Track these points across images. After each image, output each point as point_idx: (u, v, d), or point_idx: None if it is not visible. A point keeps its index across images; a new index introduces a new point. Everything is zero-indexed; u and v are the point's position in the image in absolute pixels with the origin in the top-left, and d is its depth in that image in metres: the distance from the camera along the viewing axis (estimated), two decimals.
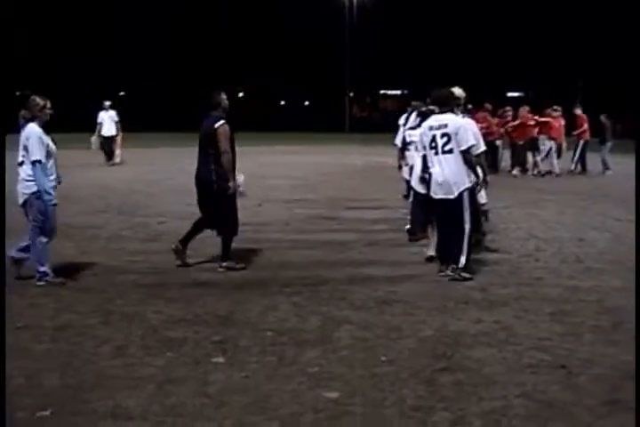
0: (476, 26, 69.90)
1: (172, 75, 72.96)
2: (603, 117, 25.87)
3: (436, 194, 9.70)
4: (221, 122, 9.95)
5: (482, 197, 13.14)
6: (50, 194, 8.99)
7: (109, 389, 5.84)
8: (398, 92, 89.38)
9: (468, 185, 9.52)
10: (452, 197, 9.54)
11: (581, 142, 25.19)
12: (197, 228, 10.45)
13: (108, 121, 27.07)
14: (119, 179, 22.11)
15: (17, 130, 9.15)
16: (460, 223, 9.54)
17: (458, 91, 10.46)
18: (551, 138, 24.68)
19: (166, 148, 37.35)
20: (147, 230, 13.09)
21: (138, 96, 74.44)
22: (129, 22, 68.26)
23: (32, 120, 9.10)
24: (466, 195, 9.54)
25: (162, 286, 9.14)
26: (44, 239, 9.12)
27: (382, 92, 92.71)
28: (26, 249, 9.32)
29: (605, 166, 25.40)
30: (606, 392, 5.86)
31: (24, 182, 9.03)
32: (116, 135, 27.20)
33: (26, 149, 8.99)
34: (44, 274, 9.12)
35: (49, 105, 9.25)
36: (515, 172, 24.60)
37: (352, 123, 73.25)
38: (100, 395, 5.70)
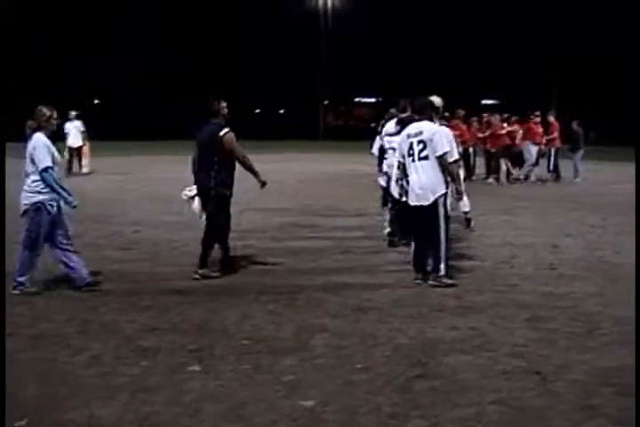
0: (450, 33, 70.24)
1: (143, 83, 72.74)
2: (574, 125, 25.97)
3: (413, 201, 9.73)
4: (226, 130, 10.06)
5: (465, 205, 13.23)
6: (67, 199, 9.11)
7: (85, 398, 5.81)
8: (372, 99, 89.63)
9: (443, 191, 9.58)
10: (426, 203, 9.58)
11: (552, 150, 25.23)
12: (205, 247, 10.44)
13: (73, 131, 26.70)
14: (94, 188, 22.00)
15: (24, 139, 9.16)
16: (435, 230, 9.58)
17: (437, 99, 10.51)
18: (535, 143, 24.74)
19: (138, 156, 37.25)
20: (122, 239, 13.04)
21: (111, 104, 74.24)
22: (100, 29, 67.98)
23: (38, 130, 9.09)
24: (441, 201, 9.58)
25: (137, 294, 9.10)
26: (34, 252, 9.15)
27: (357, 99, 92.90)
28: (72, 267, 9.35)
29: (576, 174, 25.53)
30: (581, 398, 5.88)
31: (25, 193, 9.02)
32: (83, 145, 26.95)
33: (32, 159, 8.97)
34: (21, 284, 9.09)
35: (55, 115, 9.26)
36: (490, 180, 24.67)
37: (326, 130, 73.39)
38: (76, 404, 5.67)
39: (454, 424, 5.37)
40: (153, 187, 22.17)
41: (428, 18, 70.76)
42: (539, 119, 25.38)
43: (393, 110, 12.87)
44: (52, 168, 8.98)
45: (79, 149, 26.87)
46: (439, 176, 9.60)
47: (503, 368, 6.55)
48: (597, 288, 9.62)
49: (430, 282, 9.66)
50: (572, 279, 10.16)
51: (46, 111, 9.16)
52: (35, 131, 9.10)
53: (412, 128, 9.87)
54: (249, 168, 10.27)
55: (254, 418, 5.47)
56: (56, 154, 9.16)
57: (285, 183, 23.69)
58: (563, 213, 17.13)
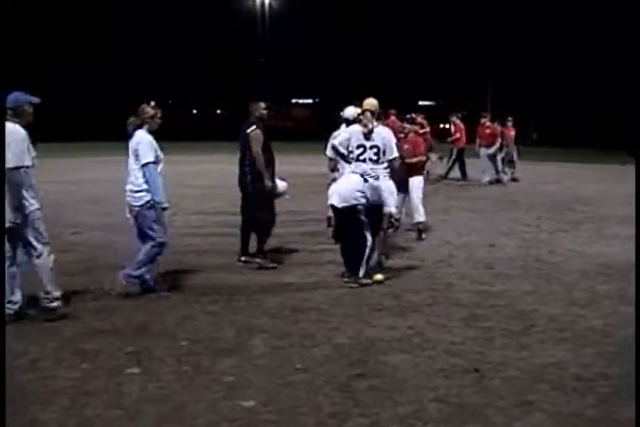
0: (385, 34, 70.54)
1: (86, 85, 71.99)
2: (496, 124, 25.69)
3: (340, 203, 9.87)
4: (253, 127, 10.67)
5: (420, 215, 13.24)
6: (158, 199, 9.02)
7: (25, 403, 5.77)
8: (310, 100, 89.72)
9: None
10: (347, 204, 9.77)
11: (455, 151, 25.04)
12: (244, 234, 11.09)
13: None
14: None
15: (125, 137, 9.20)
16: (362, 233, 9.77)
17: (373, 101, 10.70)
18: (486, 146, 24.62)
19: (75, 158, 36.82)
20: (60, 242, 12.84)
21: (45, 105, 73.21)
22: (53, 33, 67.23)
23: (140, 127, 9.14)
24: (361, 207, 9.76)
25: (76, 297, 9.00)
26: (158, 250, 9.19)
27: (294, 100, 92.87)
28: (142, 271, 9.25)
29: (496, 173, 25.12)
30: (518, 394, 5.98)
31: (133, 195, 9.04)
32: None
33: (136, 155, 9.00)
34: (136, 277, 9.10)
35: (159, 115, 9.27)
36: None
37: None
38: (16, 409, 5.61)
39: (395, 422, 5.43)
40: (90, 189, 21.94)
41: (364, 19, 71.01)
42: (484, 120, 25.27)
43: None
44: (153, 163, 8.98)
45: None
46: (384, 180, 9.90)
47: (441, 366, 6.63)
48: (533, 287, 9.78)
49: (351, 284, 9.73)
50: (508, 278, 10.31)
51: (150, 110, 9.21)
52: (137, 128, 9.14)
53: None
54: (257, 169, 10.67)
55: (195, 420, 5.48)
56: (159, 152, 9.12)
57: (225, 184, 23.62)
58: (499, 213, 17.34)
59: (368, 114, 10.19)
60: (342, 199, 9.78)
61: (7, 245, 7.84)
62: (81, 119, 64.29)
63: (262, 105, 10.90)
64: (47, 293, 8.06)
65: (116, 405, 5.74)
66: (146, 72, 71.23)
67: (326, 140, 12.11)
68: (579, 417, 5.56)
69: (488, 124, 25.21)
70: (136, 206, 9.01)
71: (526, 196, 21.13)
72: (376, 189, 9.76)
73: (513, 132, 25.84)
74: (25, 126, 7.84)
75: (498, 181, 24.57)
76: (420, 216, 13.47)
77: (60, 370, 6.52)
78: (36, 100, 7.96)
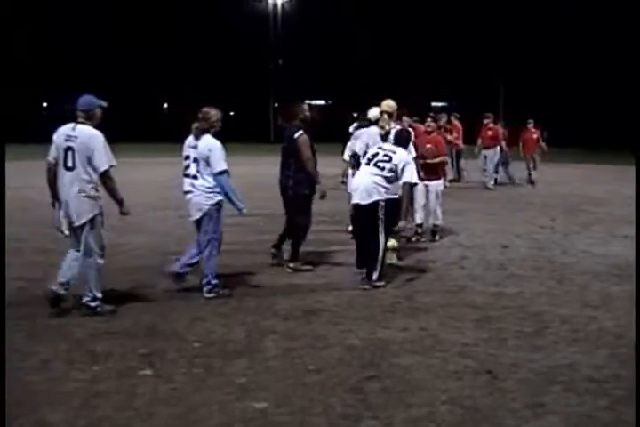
0: (398, 35, 70.46)
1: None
2: (499, 126, 25.34)
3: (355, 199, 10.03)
4: (300, 132, 10.47)
5: (437, 218, 13.09)
6: (240, 201, 9.30)
7: (35, 404, 5.76)
8: (322, 102, 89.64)
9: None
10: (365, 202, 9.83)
11: (454, 151, 24.35)
12: (285, 233, 11.10)
13: None
14: (40, 192, 21.67)
15: (180, 139, 9.39)
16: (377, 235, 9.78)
17: (391, 103, 10.90)
18: (485, 148, 24.26)
19: None
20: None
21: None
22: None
23: (207, 131, 9.21)
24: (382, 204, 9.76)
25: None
26: (217, 252, 9.31)
27: (307, 102, 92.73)
28: (191, 264, 9.49)
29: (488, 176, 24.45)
30: (530, 396, 5.95)
31: (204, 194, 9.12)
32: None
33: (206, 161, 9.06)
34: (216, 286, 9.20)
35: (221, 117, 9.40)
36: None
37: (277, 133, 73.22)
38: (26, 410, 5.61)
39: (407, 424, 5.41)
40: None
41: (376, 21, 70.96)
42: (487, 121, 24.62)
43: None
44: (227, 172, 9.12)
45: None
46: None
47: (454, 368, 6.61)
48: (545, 288, 9.75)
49: (365, 286, 9.71)
50: (521, 279, 10.28)
51: (216, 113, 9.32)
52: (204, 132, 9.20)
53: (388, 146, 10.27)
54: (308, 173, 10.52)
55: (207, 421, 5.46)
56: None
57: (234, 186, 23.61)
58: (512, 214, 17.30)
59: (385, 116, 10.31)
60: (366, 195, 9.82)
61: (72, 234, 8.56)
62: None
63: (306, 107, 10.88)
64: (90, 291, 8.36)
65: (128, 406, 5.73)
66: (156, 75, 71.35)
67: (341, 141, 12.15)
68: (591, 419, 5.53)
69: (491, 125, 24.65)
70: (207, 205, 9.11)
71: (539, 197, 21.09)
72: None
73: (535, 135, 25.43)
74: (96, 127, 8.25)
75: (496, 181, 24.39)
76: (437, 219, 13.49)
77: (70, 371, 6.51)
78: (105, 104, 8.39)
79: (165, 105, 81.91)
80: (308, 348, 7.18)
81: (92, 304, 8.34)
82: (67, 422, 5.45)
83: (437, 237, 13.45)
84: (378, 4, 70.13)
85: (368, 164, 9.99)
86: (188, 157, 9.27)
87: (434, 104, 72.42)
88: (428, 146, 12.89)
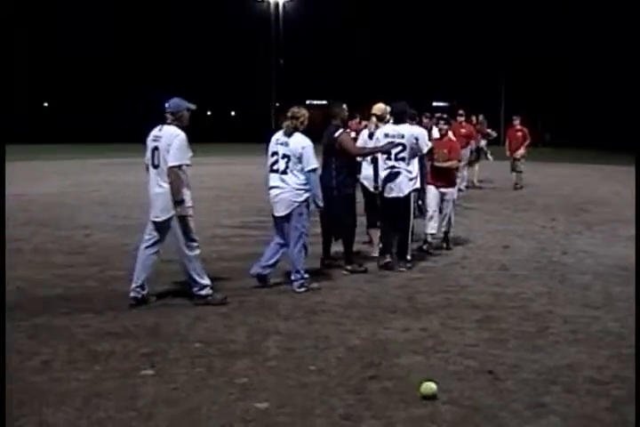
0: (399, 37, 70.56)
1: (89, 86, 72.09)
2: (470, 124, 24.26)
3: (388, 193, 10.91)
4: (340, 131, 10.65)
5: (450, 225, 12.96)
6: (318, 200, 9.62)
7: (36, 404, 5.75)
8: (324, 102, 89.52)
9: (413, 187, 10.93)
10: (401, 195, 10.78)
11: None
12: (326, 239, 11.19)
13: None
14: (42, 192, 21.77)
15: (266, 139, 9.68)
16: (406, 220, 10.78)
17: (381, 106, 11.21)
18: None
19: (87, 160, 36.93)
20: (72, 243, 12.92)
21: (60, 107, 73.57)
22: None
23: (297, 129, 9.60)
24: (412, 196, 10.91)
25: (88, 299, 9.02)
26: (306, 247, 9.70)
27: (308, 102, 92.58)
28: (272, 265, 9.82)
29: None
30: (532, 396, 5.95)
31: (294, 191, 9.47)
32: None
33: (299, 158, 9.42)
34: (306, 279, 9.59)
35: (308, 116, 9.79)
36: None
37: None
38: (27, 411, 5.61)
39: (408, 424, 5.41)
40: (103, 191, 21.99)
41: (377, 21, 71.03)
42: (461, 119, 23.22)
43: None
44: (316, 169, 9.63)
45: None
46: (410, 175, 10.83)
47: (455, 368, 6.61)
48: (547, 288, 9.75)
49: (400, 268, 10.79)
50: (523, 280, 10.28)
51: (305, 112, 9.72)
52: (294, 130, 9.56)
53: (391, 129, 10.93)
54: (367, 154, 11.25)
55: (209, 421, 5.46)
56: None
57: (237, 186, 23.65)
58: (513, 214, 17.31)
59: (374, 118, 10.83)
60: (398, 189, 10.82)
61: (153, 232, 8.83)
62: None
63: (345, 108, 10.96)
64: (195, 281, 8.74)
65: (129, 406, 5.72)
66: (158, 73, 71.42)
67: None
68: (592, 420, 5.53)
69: (464, 123, 23.35)
70: (297, 202, 9.47)
71: (541, 197, 21.13)
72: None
73: (520, 133, 24.36)
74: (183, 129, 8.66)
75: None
76: (450, 227, 12.97)
77: (72, 372, 6.50)
78: (193, 106, 8.85)
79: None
80: (310, 348, 7.18)
81: (203, 293, 8.76)
82: (68, 422, 5.44)
83: (451, 246, 12.83)
84: (378, 5, 70.22)
85: (389, 158, 10.84)
86: (276, 153, 9.61)
87: (435, 104, 72.48)
88: (444, 151, 12.50)
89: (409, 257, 10.90)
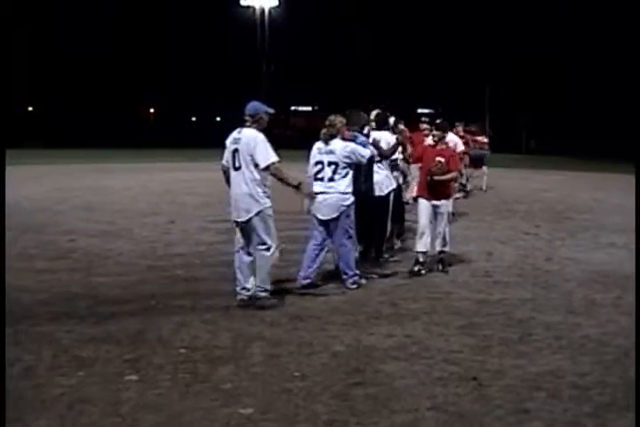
0: (384, 44, 70.68)
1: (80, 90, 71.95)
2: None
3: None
4: (362, 137, 10.83)
5: (446, 243, 11.40)
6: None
7: (19, 410, 5.73)
8: (309, 108, 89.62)
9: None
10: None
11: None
12: (367, 244, 11.40)
13: None
14: (24, 196, 21.61)
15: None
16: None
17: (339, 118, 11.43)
18: None
19: (72, 165, 36.77)
20: (55, 248, 12.86)
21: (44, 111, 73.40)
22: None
23: (334, 137, 10.04)
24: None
25: (72, 304, 8.99)
26: (352, 245, 10.13)
27: (293, 108, 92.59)
28: (318, 267, 10.13)
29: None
30: (515, 402, 5.98)
31: (341, 195, 9.93)
32: None
33: (348, 157, 9.91)
34: (357, 275, 10.10)
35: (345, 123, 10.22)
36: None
37: (276, 139, 73.15)
38: (10, 417, 5.57)
39: None
40: (87, 196, 21.89)
41: (364, 28, 71.15)
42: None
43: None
44: (372, 156, 10.41)
45: None
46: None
47: (439, 375, 6.62)
48: (530, 295, 9.78)
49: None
50: (506, 286, 10.31)
51: (342, 120, 10.12)
52: (332, 137, 10.00)
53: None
54: (391, 152, 11.51)
55: None
56: None
57: (221, 192, 23.57)
58: (496, 221, 17.34)
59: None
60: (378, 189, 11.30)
61: (241, 238, 9.15)
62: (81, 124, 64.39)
63: (364, 115, 11.30)
64: (262, 282, 9.05)
65: (113, 412, 5.72)
66: (144, 79, 71.33)
67: None
68: (575, 425, 5.57)
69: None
70: (344, 206, 9.90)
71: (524, 204, 21.16)
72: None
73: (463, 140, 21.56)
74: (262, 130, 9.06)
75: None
76: (446, 245, 11.43)
77: (55, 377, 6.49)
78: (271, 110, 9.28)
79: (152, 110, 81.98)
80: (294, 354, 7.18)
81: (262, 295, 9.02)
82: None
83: (447, 268, 11.45)
84: (371, 11, 70.40)
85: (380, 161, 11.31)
86: (320, 163, 10.01)
87: (420, 111, 72.63)
88: (438, 159, 11.04)
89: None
